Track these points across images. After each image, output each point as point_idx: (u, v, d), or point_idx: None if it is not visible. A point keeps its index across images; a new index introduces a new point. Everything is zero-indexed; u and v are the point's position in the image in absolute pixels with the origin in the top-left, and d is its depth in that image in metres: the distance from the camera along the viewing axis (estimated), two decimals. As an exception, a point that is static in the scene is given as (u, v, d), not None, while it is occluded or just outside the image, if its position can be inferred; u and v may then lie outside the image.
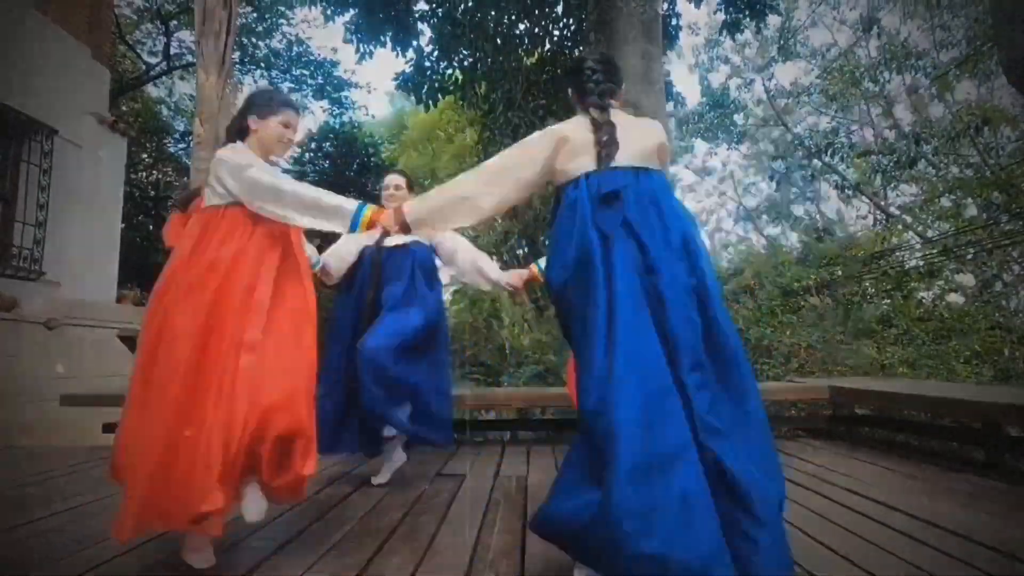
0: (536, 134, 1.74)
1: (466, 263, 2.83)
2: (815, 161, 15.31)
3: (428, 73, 7.92)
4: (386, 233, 2.32)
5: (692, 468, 1.29)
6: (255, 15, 13.32)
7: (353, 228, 1.78)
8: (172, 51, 13.11)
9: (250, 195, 1.78)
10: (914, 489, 2.59)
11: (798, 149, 15.96)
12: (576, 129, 1.66)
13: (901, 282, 8.58)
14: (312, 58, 14.47)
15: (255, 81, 14.97)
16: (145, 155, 12.77)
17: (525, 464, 3.15)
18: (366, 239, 2.75)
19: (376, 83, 46.47)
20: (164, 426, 1.58)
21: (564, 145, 1.64)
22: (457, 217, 1.76)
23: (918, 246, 11.50)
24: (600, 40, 5.30)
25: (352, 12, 7.54)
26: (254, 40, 13.76)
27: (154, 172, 12.94)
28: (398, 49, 7.74)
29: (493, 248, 18.11)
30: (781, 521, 1.39)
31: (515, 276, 2.68)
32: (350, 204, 1.79)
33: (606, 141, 1.61)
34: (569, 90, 1.83)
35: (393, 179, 2.97)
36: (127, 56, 13.24)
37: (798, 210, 17.41)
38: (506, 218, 17.54)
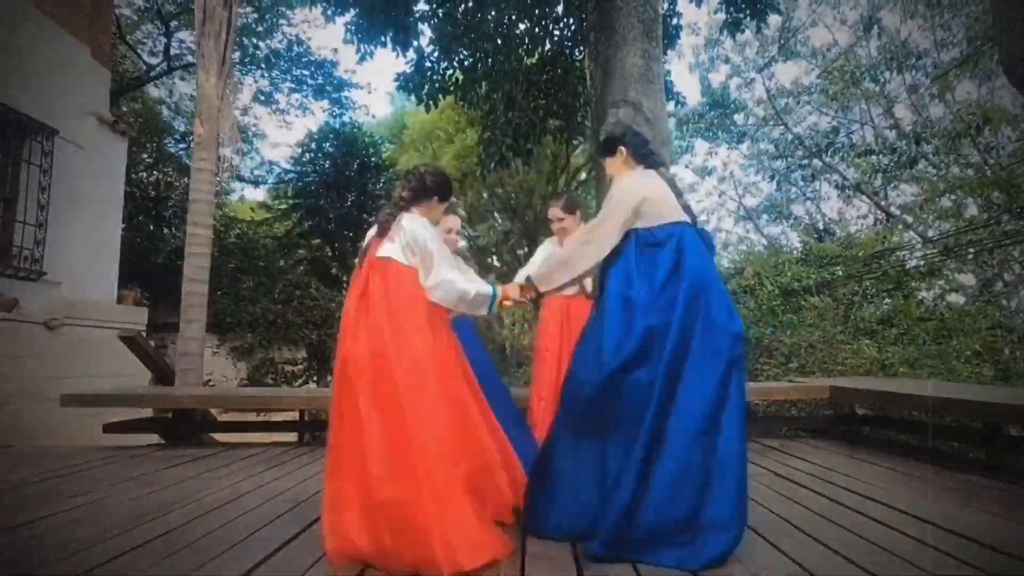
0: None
1: None
2: (815, 161, 15.30)
3: (428, 73, 7.91)
4: None
5: None
6: (255, 15, 13.32)
7: (491, 312, 2.10)
8: (172, 51, 13.12)
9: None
10: (914, 489, 2.59)
11: (798, 149, 15.94)
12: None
13: (901, 282, 8.56)
14: (312, 58, 14.47)
15: (255, 81, 15.00)
16: (146, 155, 12.77)
17: (525, 464, 3.15)
18: None
19: (376, 83, 46.63)
20: None
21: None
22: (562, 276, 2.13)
23: (919, 246, 11.49)
24: (600, 40, 5.30)
25: (352, 12, 7.53)
26: (254, 40, 13.76)
27: (155, 172, 12.94)
28: (398, 49, 7.73)
29: (494, 248, 18.13)
30: None
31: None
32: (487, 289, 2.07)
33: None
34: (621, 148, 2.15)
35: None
36: (127, 56, 13.23)
37: (798, 210, 17.36)
38: (506, 218, 17.56)
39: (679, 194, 2.05)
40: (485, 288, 2.04)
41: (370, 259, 1.95)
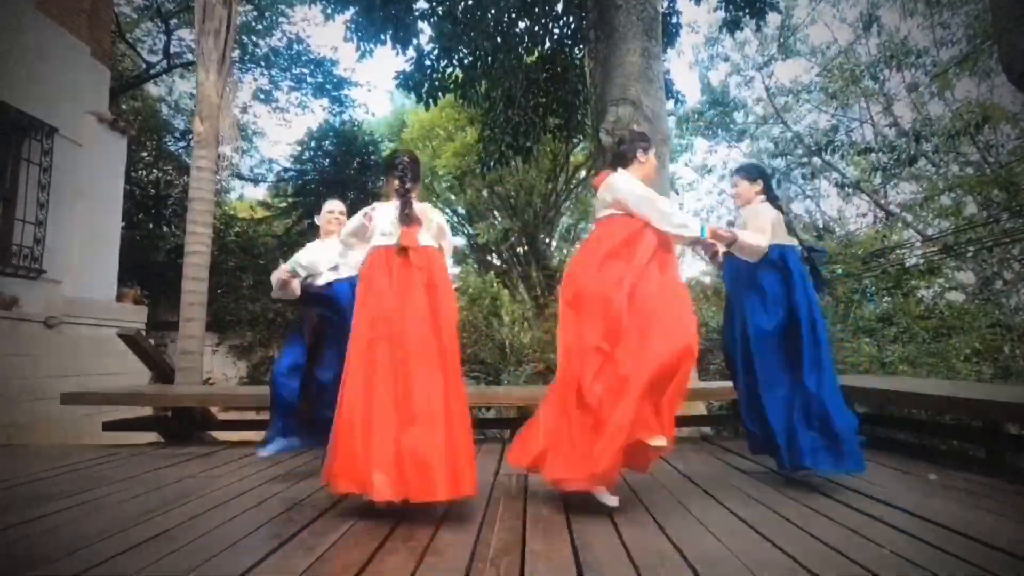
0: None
1: None
2: (815, 159, 15.31)
3: (428, 71, 7.90)
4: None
5: None
6: (255, 13, 13.29)
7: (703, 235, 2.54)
8: (172, 49, 13.09)
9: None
10: (914, 487, 2.59)
11: (798, 147, 15.94)
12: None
13: (901, 280, 8.58)
14: (312, 56, 14.43)
15: (255, 79, 14.97)
16: (145, 153, 12.75)
17: (525, 462, 3.15)
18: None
19: (376, 81, 46.59)
20: None
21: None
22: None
23: (918, 244, 11.50)
24: (600, 38, 5.29)
25: (352, 10, 7.53)
26: (254, 38, 13.73)
27: (154, 170, 12.93)
28: (398, 47, 7.72)
29: (493, 246, 18.10)
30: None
31: None
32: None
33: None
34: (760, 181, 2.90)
35: (337, 205, 3.24)
36: (127, 55, 13.21)
37: (798, 208, 17.37)
38: (506, 216, 17.51)
39: (791, 230, 2.84)
40: None
41: (411, 246, 2.32)
